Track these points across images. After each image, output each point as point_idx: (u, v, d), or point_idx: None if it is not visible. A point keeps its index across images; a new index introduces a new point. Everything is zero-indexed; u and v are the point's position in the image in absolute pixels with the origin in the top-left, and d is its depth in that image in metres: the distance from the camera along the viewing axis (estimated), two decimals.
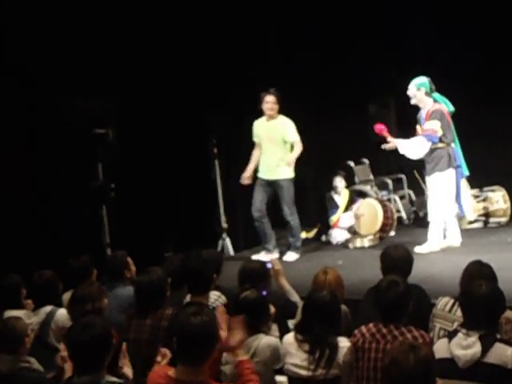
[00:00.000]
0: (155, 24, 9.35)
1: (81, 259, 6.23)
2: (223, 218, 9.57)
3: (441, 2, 10.12)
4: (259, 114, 8.72)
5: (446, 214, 8.14)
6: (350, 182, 10.26)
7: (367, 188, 10.38)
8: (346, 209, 9.79)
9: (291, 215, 8.68)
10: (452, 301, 4.81)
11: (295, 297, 5.65)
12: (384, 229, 9.35)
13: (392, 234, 9.56)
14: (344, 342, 4.46)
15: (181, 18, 9.55)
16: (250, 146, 8.84)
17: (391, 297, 4.38)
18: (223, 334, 4.36)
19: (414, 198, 10.71)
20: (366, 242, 9.16)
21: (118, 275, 6.12)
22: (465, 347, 3.96)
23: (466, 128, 8.40)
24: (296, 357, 4.48)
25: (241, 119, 9.23)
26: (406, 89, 8.13)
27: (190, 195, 9.69)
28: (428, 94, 8.10)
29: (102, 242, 8.62)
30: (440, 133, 8.01)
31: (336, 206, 9.90)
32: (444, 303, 4.86)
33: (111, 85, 8.74)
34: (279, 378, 4.68)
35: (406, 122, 8.82)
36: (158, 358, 4.12)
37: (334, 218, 9.80)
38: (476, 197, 9.64)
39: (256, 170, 8.79)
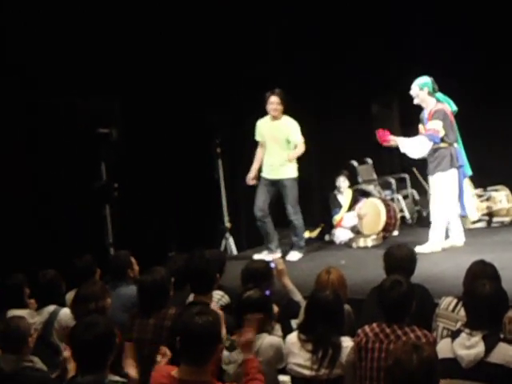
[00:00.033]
0: (157, 24, 9.35)
1: (84, 259, 6.23)
2: (226, 218, 9.57)
3: (441, 2, 10.12)
4: (262, 113, 8.72)
5: (448, 214, 8.13)
6: (353, 182, 10.26)
7: (370, 187, 10.37)
8: (350, 208, 9.79)
9: (295, 214, 8.68)
10: (455, 300, 4.81)
11: (298, 296, 5.65)
12: (387, 228, 9.35)
13: (395, 233, 9.55)
14: (347, 342, 4.45)
15: (182, 18, 9.55)
16: (253, 145, 8.84)
17: (394, 296, 4.37)
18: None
19: (417, 197, 10.69)
20: (370, 242, 9.16)
21: (121, 275, 6.12)
22: (468, 347, 3.96)
23: (468, 127, 8.39)
24: (299, 356, 4.48)
25: (244, 119, 9.23)
26: (409, 88, 8.13)
27: (193, 195, 9.69)
28: (431, 93, 8.09)
29: (106, 242, 8.62)
30: (442, 133, 8.00)
31: (339, 206, 9.90)
32: (447, 303, 4.86)
33: (114, 85, 8.74)
34: (282, 378, 4.68)
35: (409, 121, 8.82)
36: (158, 357, 4.13)
37: (337, 218, 9.80)
38: (479, 196, 9.63)
39: (259, 170, 8.79)
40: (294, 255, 8.71)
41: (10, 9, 8.32)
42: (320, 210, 10.66)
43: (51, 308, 5.55)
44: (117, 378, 3.85)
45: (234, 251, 9.43)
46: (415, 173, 10.44)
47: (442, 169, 8.01)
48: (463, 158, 8.20)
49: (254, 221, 8.80)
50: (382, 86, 10.55)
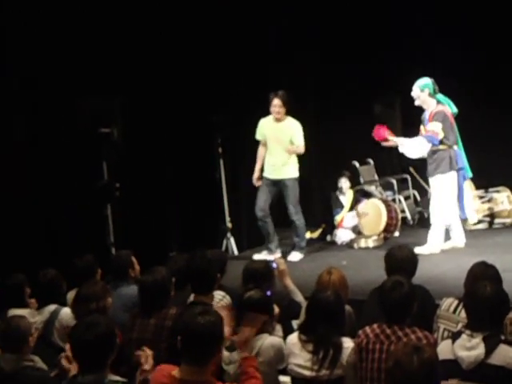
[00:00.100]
0: (158, 24, 9.35)
1: (85, 258, 6.23)
2: (228, 218, 9.57)
3: (441, 2, 10.12)
4: (263, 113, 8.72)
5: (447, 216, 8.13)
6: (354, 183, 10.26)
7: (372, 188, 10.38)
8: (351, 209, 9.79)
9: (296, 215, 8.69)
10: (456, 302, 4.80)
11: (299, 297, 5.64)
12: (388, 229, 9.35)
13: (396, 234, 9.55)
14: (348, 343, 4.45)
15: (184, 18, 9.55)
16: (255, 145, 8.85)
17: (395, 297, 4.37)
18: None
19: (418, 198, 10.69)
20: (371, 243, 9.16)
21: (123, 274, 6.12)
22: (469, 348, 3.95)
23: (468, 128, 8.38)
24: (300, 357, 4.47)
25: (246, 118, 9.23)
26: (411, 89, 8.13)
27: (194, 195, 9.69)
28: (431, 95, 8.09)
29: (107, 241, 8.62)
30: (441, 135, 7.99)
31: (341, 207, 9.91)
32: (448, 304, 4.85)
33: (116, 84, 8.74)
34: (283, 379, 4.67)
35: (411, 122, 8.81)
36: (142, 359, 4.13)
37: (338, 218, 9.80)
38: (481, 197, 9.63)
39: (262, 169, 8.79)
40: (296, 255, 8.71)
41: (11, 9, 8.32)
42: (321, 210, 10.66)
43: (52, 307, 5.55)
44: (117, 378, 3.85)
45: (235, 251, 9.43)
46: (413, 173, 10.46)
47: (442, 171, 8.00)
48: (463, 160, 8.18)
49: (256, 221, 8.80)
50: (383, 86, 10.54)
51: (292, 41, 10.36)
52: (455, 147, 8.10)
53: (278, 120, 8.62)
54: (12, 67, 8.43)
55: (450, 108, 8.17)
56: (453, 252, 8.09)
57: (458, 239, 8.27)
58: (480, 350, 3.92)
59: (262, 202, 8.70)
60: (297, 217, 8.70)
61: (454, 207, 8.15)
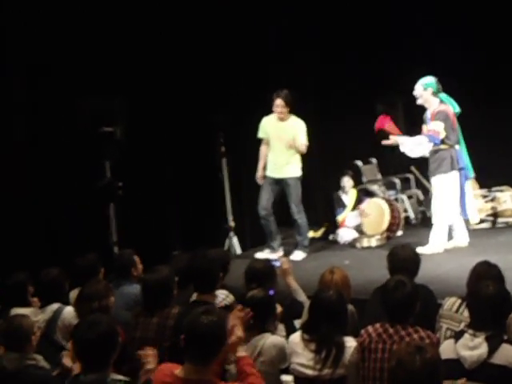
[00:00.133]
0: (159, 24, 9.36)
1: (88, 257, 6.24)
2: (230, 217, 9.57)
3: (441, 2, 10.11)
4: (265, 112, 8.72)
5: (449, 215, 8.12)
6: (357, 182, 10.25)
7: (375, 187, 10.37)
8: (354, 208, 9.78)
9: (298, 213, 8.68)
10: (459, 301, 4.80)
11: (302, 296, 5.64)
12: (391, 228, 9.34)
13: (399, 233, 9.54)
14: (350, 342, 4.45)
15: (185, 18, 9.55)
16: (257, 145, 8.84)
17: (398, 297, 4.37)
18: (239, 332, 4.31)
19: (421, 197, 10.68)
20: (374, 242, 9.15)
21: (125, 273, 6.12)
22: (471, 348, 3.95)
23: (468, 128, 8.37)
24: (302, 356, 4.47)
25: (249, 118, 9.22)
26: (413, 89, 8.12)
27: (197, 194, 9.69)
28: (434, 94, 8.07)
29: (110, 240, 8.63)
30: (443, 134, 7.97)
31: (344, 206, 9.90)
32: (451, 303, 4.85)
33: (118, 84, 8.75)
34: (285, 378, 4.67)
35: (414, 121, 8.81)
36: (144, 360, 4.13)
37: (340, 218, 9.80)
38: (484, 197, 9.61)
39: (264, 168, 8.79)
40: (298, 255, 8.71)
41: (11, 8, 8.33)
42: (324, 209, 10.66)
43: (55, 306, 5.55)
44: (119, 377, 3.85)
45: (238, 250, 9.43)
46: (414, 172, 10.44)
47: (443, 171, 7.99)
48: (464, 160, 8.17)
49: (258, 220, 8.80)
50: (383, 85, 10.54)
51: (292, 41, 10.36)
52: (457, 147, 8.09)
53: (281, 119, 8.62)
54: (12, 67, 8.43)
55: (452, 107, 8.16)
56: (456, 251, 8.07)
57: (461, 238, 8.26)
58: (483, 350, 3.92)
59: (265, 200, 8.70)
60: (299, 216, 8.69)
61: (456, 207, 8.13)
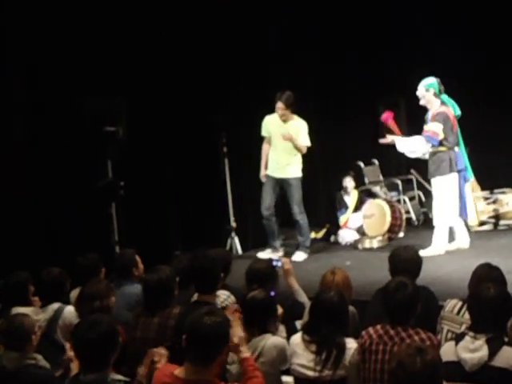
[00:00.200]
0: (160, 24, 9.35)
1: (89, 257, 6.23)
2: (232, 217, 9.57)
3: (441, 2, 10.11)
4: (266, 112, 8.72)
5: (450, 217, 8.11)
6: (359, 183, 10.25)
7: (376, 189, 10.37)
8: (355, 209, 9.78)
9: (300, 214, 8.68)
10: (460, 303, 4.79)
11: (303, 297, 5.63)
12: (392, 229, 9.33)
13: (401, 235, 9.54)
14: (351, 343, 4.44)
15: (186, 18, 9.55)
16: (260, 144, 8.84)
17: (399, 298, 4.36)
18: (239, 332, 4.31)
19: (423, 199, 10.68)
20: (375, 243, 9.15)
21: (126, 273, 6.12)
22: (472, 350, 3.95)
23: (468, 128, 8.37)
24: (303, 357, 4.47)
25: (250, 118, 9.23)
26: (415, 90, 8.11)
27: (199, 193, 9.69)
28: (436, 95, 8.07)
29: (111, 240, 8.63)
30: (441, 136, 7.96)
31: (345, 207, 9.90)
32: (452, 305, 4.84)
33: (120, 84, 8.75)
34: (286, 379, 4.67)
35: (417, 122, 8.80)
36: (156, 358, 4.13)
37: (343, 219, 9.80)
38: (486, 199, 9.61)
39: (267, 166, 8.79)
40: (300, 255, 8.71)
41: (13, 8, 8.33)
42: (325, 210, 10.66)
43: (56, 306, 5.54)
44: (119, 377, 3.85)
45: (240, 251, 9.44)
46: (413, 173, 10.44)
47: (441, 173, 7.98)
48: (463, 162, 8.16)
49: (260, 220, 8.80)
50: (383, 86, 10.54)
51: (292, 41, 10.36)
52: (456, 149, 8.07)
53: (283, 121, 8.63)
54: (12, 67, 8.43)
55: (453, 110, 8.15)
56: (457, 253, 8.07)
57: (463, 240, 8.25)
58: (483, 352, 3.92)
59: (268, 200, 8.71)
60: (300, 216, 8.69)
61: (456, 209, 8.12)
